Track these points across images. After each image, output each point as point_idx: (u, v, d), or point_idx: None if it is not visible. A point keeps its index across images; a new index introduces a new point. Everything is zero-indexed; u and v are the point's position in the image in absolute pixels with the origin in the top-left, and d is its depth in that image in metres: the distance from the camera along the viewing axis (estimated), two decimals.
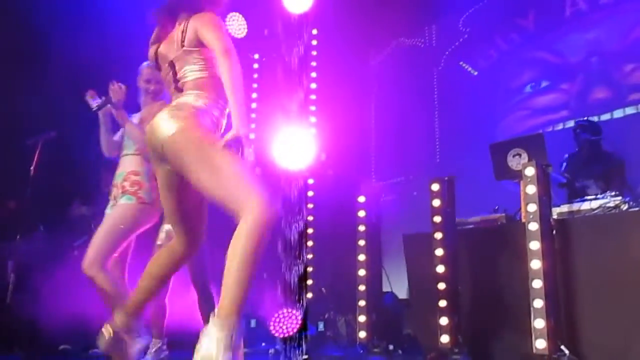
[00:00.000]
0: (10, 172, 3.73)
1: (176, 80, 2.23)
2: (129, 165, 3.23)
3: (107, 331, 2.32)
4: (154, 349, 3.16)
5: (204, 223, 2.32)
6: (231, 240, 1.90)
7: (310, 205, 5.11)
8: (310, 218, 5.13)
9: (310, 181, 5.22)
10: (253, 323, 4.97)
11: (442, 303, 3.66)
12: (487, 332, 3.65)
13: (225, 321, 1.83)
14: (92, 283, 3.03)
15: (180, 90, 2.22)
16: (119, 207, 3.13)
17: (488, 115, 6.25)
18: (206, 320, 1.90)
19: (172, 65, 2.25)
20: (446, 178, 3.89)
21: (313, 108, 5.29)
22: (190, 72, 2.21)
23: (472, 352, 3.60)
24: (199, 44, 2.20)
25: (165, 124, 2.08)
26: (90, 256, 3.03)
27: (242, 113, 2.09)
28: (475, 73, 6.54)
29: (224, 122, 2.25)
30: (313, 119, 5.24)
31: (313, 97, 5.36)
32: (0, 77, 3.53)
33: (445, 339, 3.61)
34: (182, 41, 2.21)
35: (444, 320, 3.63)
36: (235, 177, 2.00)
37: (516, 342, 3.39)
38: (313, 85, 5.37)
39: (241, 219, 1.91)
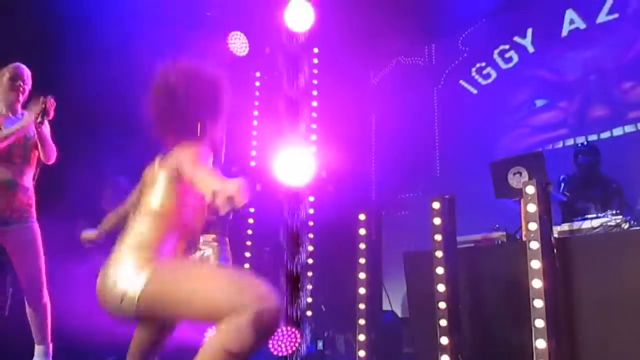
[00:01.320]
0: None
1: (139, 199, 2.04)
2: (25, 183, 3.17)
3: None
4: None
5: None
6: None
7: (310, 223, 5.11)
8: (311, 235, 5.13)
9: (311, 199, 5.23)
10: None
11: (443, 322, 3.64)
12: (488, 352, 3.62)
13: None
14: (40, 311, 3.12)
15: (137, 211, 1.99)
16: (34, 231, 3.11)
17: (488, 133, 6.27)
18: None
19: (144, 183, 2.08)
20: (447, 196, 3.90)
21: (314, 126, 5.32)
22: (155, 197, 1.96)
23: None
24: (175, 176, 1.95)
25: (128, 281, 1.78)
26: (43, 286, 3.09)
27: None
28: (475, 91, 6.58)
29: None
30: (314, 137, 5.26)
31: (314, 115, 5.38)
32: None
33: (445, 358, 3.58)
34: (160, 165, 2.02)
35: (444, 340, 3.61)
36: (219, 286, 1.73)
37: None
38: (314, 104, 5.40)
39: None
